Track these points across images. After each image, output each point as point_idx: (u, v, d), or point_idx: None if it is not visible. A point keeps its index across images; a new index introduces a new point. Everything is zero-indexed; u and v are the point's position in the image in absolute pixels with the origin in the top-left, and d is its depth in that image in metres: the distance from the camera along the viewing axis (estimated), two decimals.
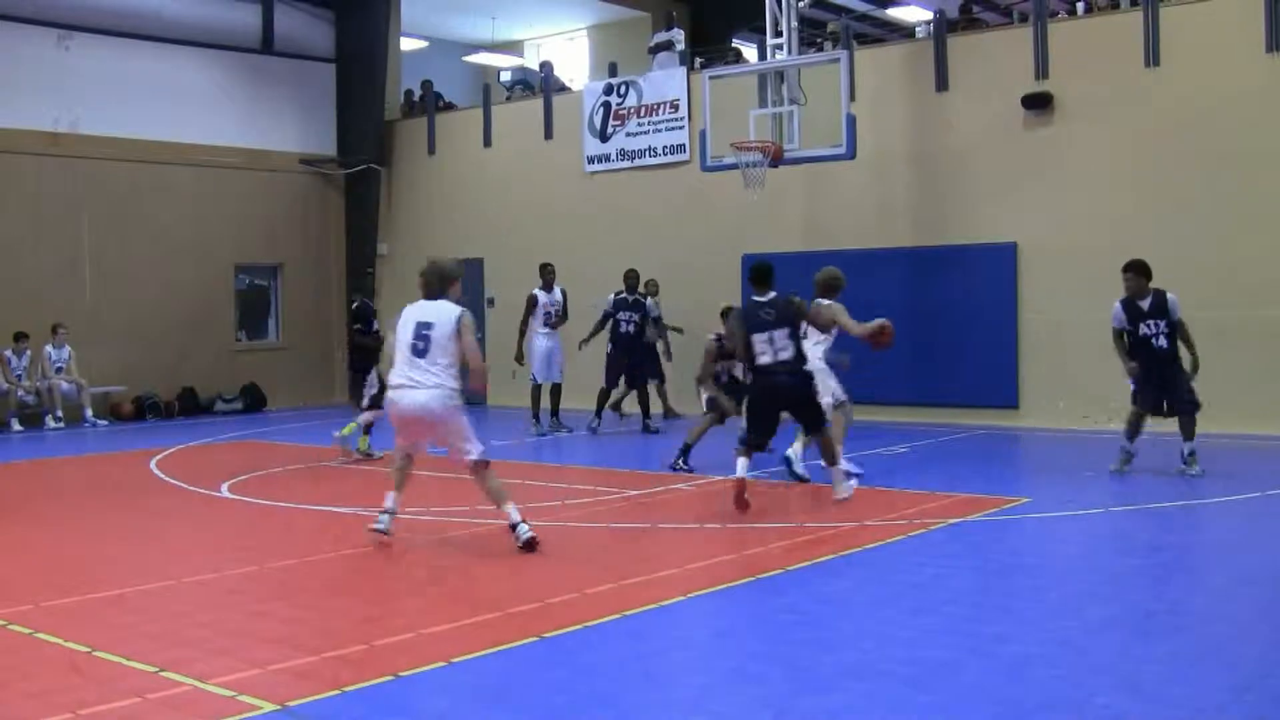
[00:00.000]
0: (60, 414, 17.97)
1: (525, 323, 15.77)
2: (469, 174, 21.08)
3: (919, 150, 16.14)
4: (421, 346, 8.31)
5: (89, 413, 18.27)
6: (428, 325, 8.35)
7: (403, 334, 8.43)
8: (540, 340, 15.67)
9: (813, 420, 9.72)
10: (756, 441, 9.60)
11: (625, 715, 4.99)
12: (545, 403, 15.78)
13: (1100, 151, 14.83)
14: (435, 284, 8.58)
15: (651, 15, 23.25)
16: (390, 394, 8.48)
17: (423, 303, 8.55)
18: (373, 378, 13.39)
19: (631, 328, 15.70)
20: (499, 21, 24.76)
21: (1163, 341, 10.85)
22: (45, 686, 5.35)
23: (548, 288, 15.79)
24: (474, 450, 8.32)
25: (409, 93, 22.75)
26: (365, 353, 13.61)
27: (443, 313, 8.39)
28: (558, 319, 15.82)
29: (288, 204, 21.38)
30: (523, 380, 16.25)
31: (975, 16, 17.42)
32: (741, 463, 9.41)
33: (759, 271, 9.75)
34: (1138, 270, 10.98)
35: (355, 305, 14.30)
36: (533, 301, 15.73)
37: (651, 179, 18.75)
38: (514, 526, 8.20)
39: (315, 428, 17.59)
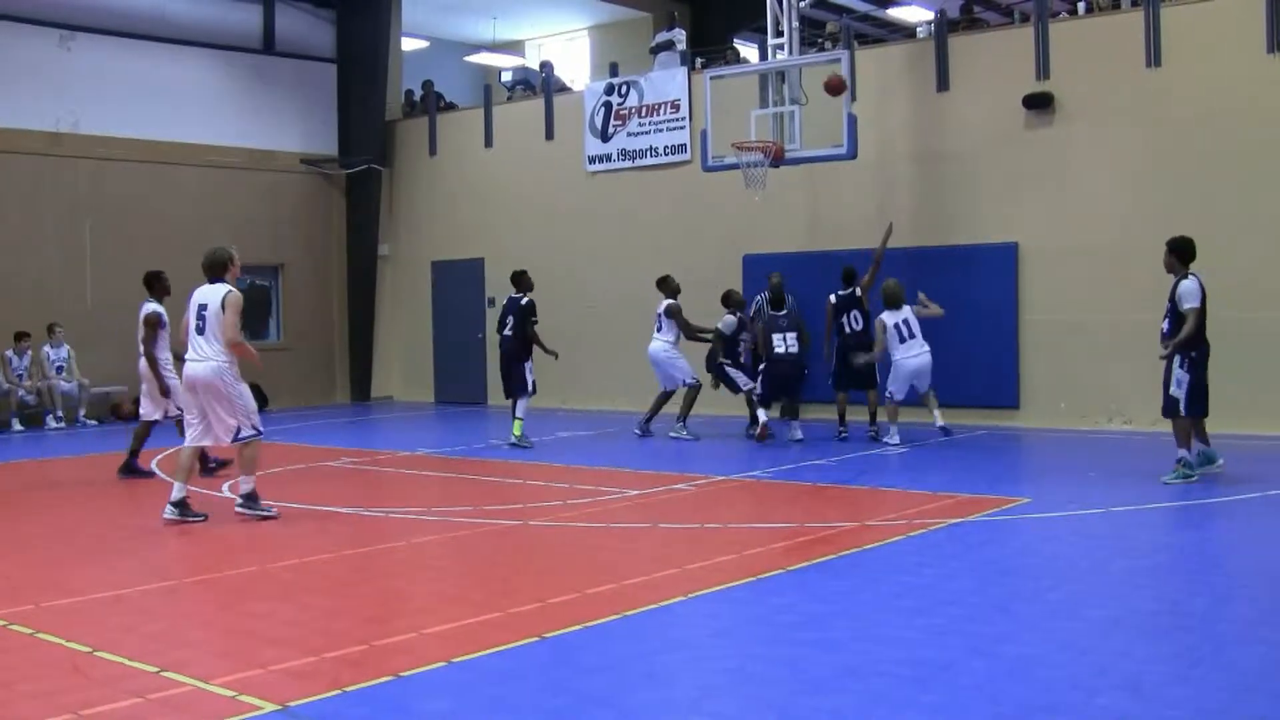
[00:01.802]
0: (60, 414, 18.02)
1: (696, 334, 15.03)
2: (470, 174, 21.10)
3: (920, 150, 16.14)
4: (200, 325, 9.52)
5: (82, 413, 18.27)
6: (204, 306, 9.54)
7: (190, 315, 9.64)
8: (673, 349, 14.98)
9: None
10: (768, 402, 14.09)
11: (626, 715, 4.99)
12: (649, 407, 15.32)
13: (1101, 152, 14.83)
14: (210, 268, 9.69)
15: (653, 15, 23.27)
16: (184, 368, 9.66)
17: (204, 286, 9.66)
18: (531, 364, 14.43)
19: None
20: (500, 22, 24.76)
21: (1165, 327, 10.43)
22: (47, 687, 5.36)
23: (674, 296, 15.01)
24: (242, 429, 9.50)
25: (409, 93, 22.77)
26: (530, 345, 14.43)
27: (215, 294, 9.51)
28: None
29: (289, 204, 21.39)
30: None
31: (976, 16, 17.42)
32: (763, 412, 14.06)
33: (777, 292, 14.13)
34: (1168, 247, 10.56)
35: (525, 301, 14.36)
36: (680, 311, 14.94)
37: (653, 179, 18.76)
38: (244, 496, 9.59)
39: (316, 428, 17.62)
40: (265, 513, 9.62)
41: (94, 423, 18.44)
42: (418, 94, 22.59)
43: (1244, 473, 10.60)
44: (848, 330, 14.09)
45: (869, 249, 15.01)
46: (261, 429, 9.74)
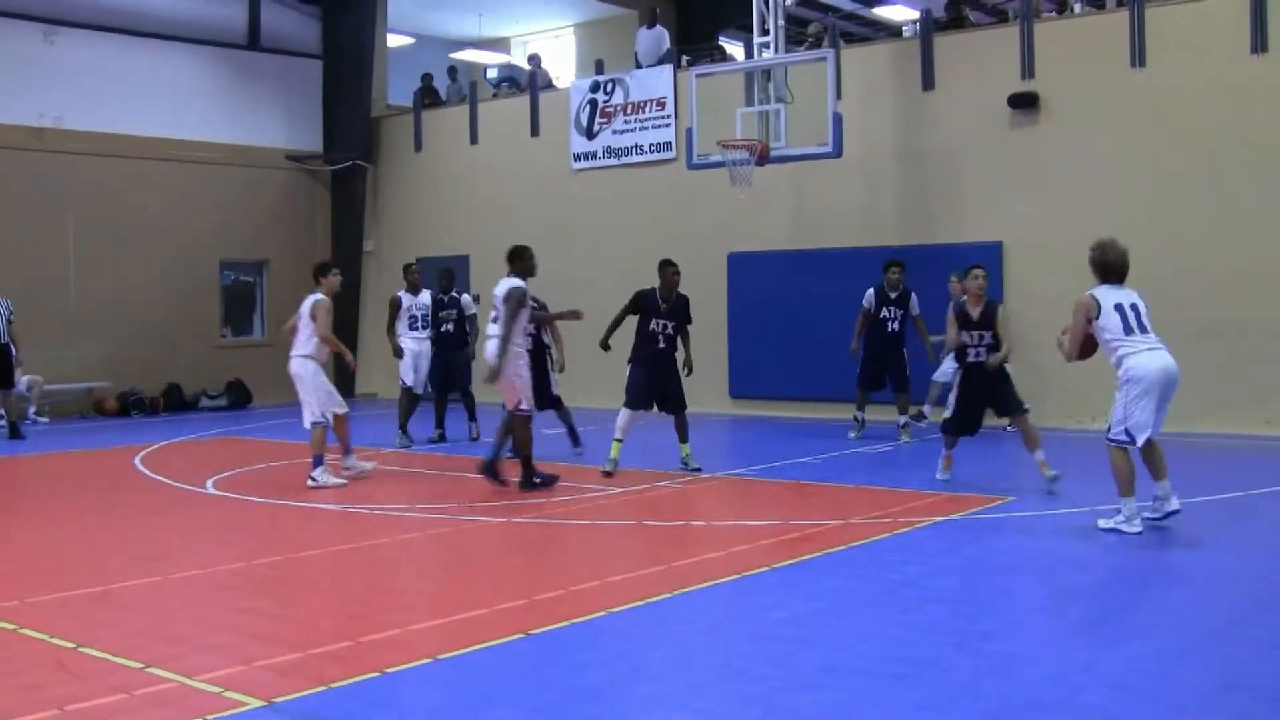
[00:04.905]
0: (34, 409, 17.67)
1: None
2: (455, 171, 21.06)
3: (905, 149, 16.17)
4: (296, 324, 11.42)
5: (31, 410, 17.72)
6: (299, 311, 11.35)
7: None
8: None
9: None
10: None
11: (612, 711, 5.00)
12: None
13: (1086, 151, 14.87)
14: (312, 276, 11.79)
15: (638, 13, 23.25)
16: None
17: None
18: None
19: None
20: (486, 18, 24.74)
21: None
22: (31, 682, 5.34)
23: None
24: (307, 417, 11.33)
25: (428, 77, 22.39)
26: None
27: (307, 300, 11.37)
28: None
29: (273, 200, 21.33)
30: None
31: (962, 16, 17.45)
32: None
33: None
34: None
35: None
36: None
37: (638, 177, 18.75)
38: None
39: (300, 425, 17.53)
40: (334, 482, 11.10)
41: (45, 420, 18.00)
42: (413, 90, 22.29)
43: (1232, 472, 10.63)
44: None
45: (853, 247, 15.06)
46: (324, 417, 11.38)
